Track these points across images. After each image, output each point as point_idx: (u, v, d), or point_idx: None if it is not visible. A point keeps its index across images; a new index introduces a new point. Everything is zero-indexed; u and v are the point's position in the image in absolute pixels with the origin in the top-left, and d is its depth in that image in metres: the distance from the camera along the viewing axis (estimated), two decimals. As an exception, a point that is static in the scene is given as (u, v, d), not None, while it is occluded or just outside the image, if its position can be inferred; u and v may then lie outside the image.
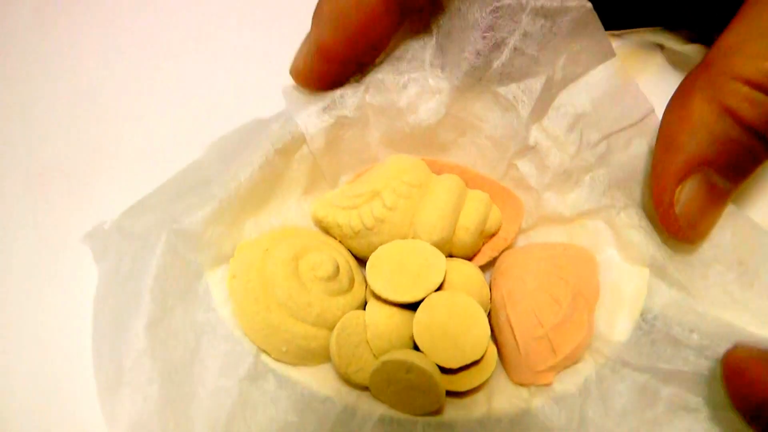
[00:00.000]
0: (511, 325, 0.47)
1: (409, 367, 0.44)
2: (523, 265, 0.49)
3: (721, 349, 0.43)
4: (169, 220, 0.46)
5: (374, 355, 0.47)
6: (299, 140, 0.50)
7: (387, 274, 0.47)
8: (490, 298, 0.50)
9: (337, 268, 0.48)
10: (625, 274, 0.47)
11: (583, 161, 0.48)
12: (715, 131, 0.38)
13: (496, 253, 0.52)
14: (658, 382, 0.44)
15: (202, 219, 0.47)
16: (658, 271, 0.46)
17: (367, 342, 0.47)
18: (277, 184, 0.51)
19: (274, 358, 0.47)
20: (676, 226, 0.43)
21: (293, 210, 0.53)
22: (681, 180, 0.41)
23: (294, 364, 0.48)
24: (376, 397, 0.47)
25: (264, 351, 0.47)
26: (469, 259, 0.53)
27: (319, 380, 0.48)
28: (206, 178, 0.49)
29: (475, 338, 0.46)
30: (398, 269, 0.47)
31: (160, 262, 0.45)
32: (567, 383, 0.46)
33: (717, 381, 0.42)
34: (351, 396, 0.47)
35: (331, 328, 0.47)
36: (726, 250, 0.45)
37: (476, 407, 0.47)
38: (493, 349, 0.48)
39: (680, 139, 0.40)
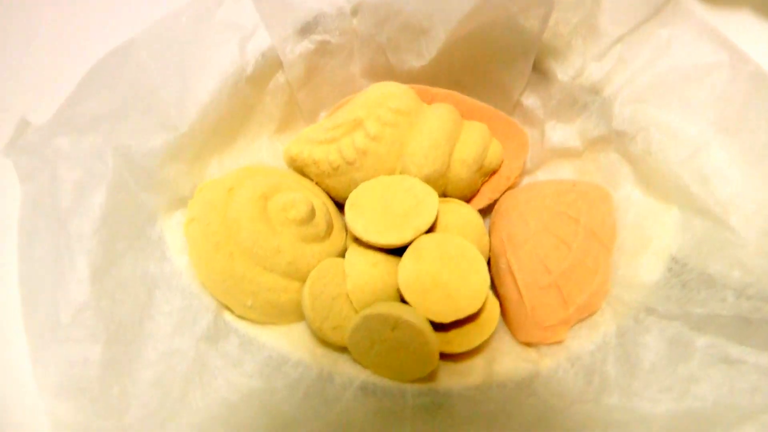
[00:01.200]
0: (513, 274, 0.40)
1: (396, 323, 0.38)
2: (525, 205, 0.43)
3: None
4: (117, 145, 0.40)
5: (355, 310, 0.40)
6: (273, 66, 0.44)
7: (370, 214, 0.41)
8: (489, 246, 0.43)
9: (313, 210, 0.42)
10: (648, 211, 0.41)
11: (588, 80, 0.42)
12: None
13: (497, 195, 0.46)
14: (692, 330, 0.37)
15: (159, 152, 0.41)
16: (688, 202, 0.39)
17: (347, 294, 0.41)
18: (247, 118, 0.45)
19: (237, 315, 0.41)
20: None
21: (264, 150, 0.47)
22: None
23: (261, 323, 0.41)
24: (358, 359, 0.40)
25: (226, 307, 0.41)
26: (467, 201, 0.46)
27: (290, 341, 0.41)
28: (155, 88, 0.42)
29: (473, 288, 0.39)
30: (383, 208, 0.41)
31: (108, 198, 0.39)
32: (583, 339, 0.40)
33: (766, 324, 0.35)
34: (327, 359, 0.41)
35: (304, 280, 0.41)
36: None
37: (475, 372, 0.41)
38: (494, 303, 0.41)
39: None
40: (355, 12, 0.44)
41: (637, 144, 0.41)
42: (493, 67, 0.45)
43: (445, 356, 0.41)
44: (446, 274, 0.39)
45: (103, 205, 0.39)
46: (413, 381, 0.40)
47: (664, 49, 0.41)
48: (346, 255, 0.42)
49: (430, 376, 0.40)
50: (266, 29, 0.43)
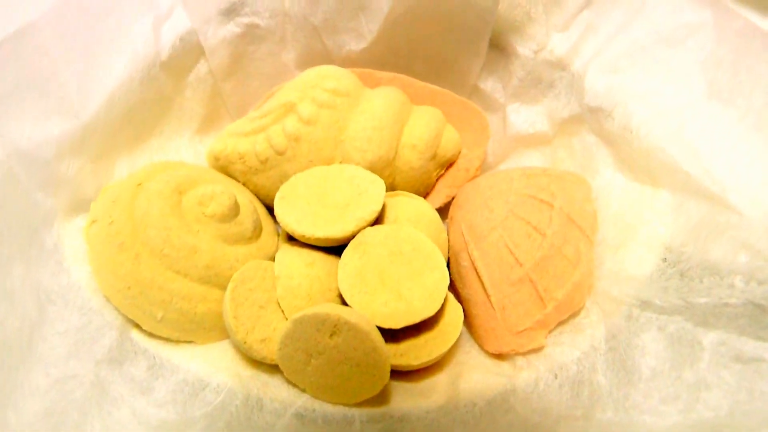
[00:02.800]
0: (476, 270, 0.34)
1: (335, 326, 0.31)
2: (488, 190, 0.37)
3: None
4: (4, 132, 0.34)
5: (287, 319, 0.33)
6: (194, 53, 0.39)
7: (304, 206, 0.35)
8: (448, 244, 0.37)
9: (236, 204, 0.36)
10: (634, 197, 0.35)
11: (552, 54, 0.37)
12: None
13: (455, 191, 0.40)
14: (697, 326, 0.31)
15: (56, 143, 0.35)
16: (680, 182, 0.34)
17: (277, 302, 0.34)
18: (164, 113, 0.40)
19: (146, 333, 0.34)
20: None
21: (184, 150, 0.41)
22: None
23: (174, 340, 0.34)
24: (291, 379, 0.33)
25: (133, 323, 0.34)
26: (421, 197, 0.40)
27: (209, 362, 0.34)
28: (54, 71, 0.36)
29: (429, 287, 0.33)
30: (319, 200, 0.35)
31: (-8, 193, 0.33)
32: (566, 345, 0.34)
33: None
34: (256, 382, 0.34)
35: (225, 287, 0.34)
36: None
37: (436, 392, 0.34)
38: (455, 306, 0.35)
39: None
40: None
41: (614, 121, 0.36)
42: (444, 46, 0.40)
43: (399, 374, 0.34)
44: (396, 272, 0.33)
45: (-14, 199, 0.33)
46: (361, 404, 0.33)
47: (637, 11, 0.37)
48: (277, 255, 0.35)
49: (383, 398, 0.33)
50: (185, 10, 0.38)
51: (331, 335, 0.31)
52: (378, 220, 0.35)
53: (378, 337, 0.31)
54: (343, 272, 0.33)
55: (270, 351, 0.33)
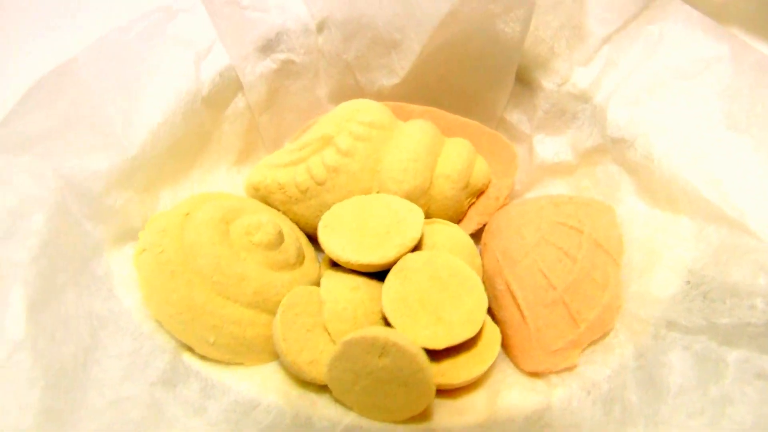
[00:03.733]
0: (512, 293, 0.36)
1: (384, 347, 0.32)
2: (519, 218, 0.38)
3: None
4: (57, 166, 0.35)
5: (333, 342, 0.35)
6: (232, 88, 0.40)
7: (347, 233, 0.36)
8: (482, 269, 0.39)
9: (281, 233, 0.37)
10: (656, 223, 0.37)
11: (575, 87, 0.39)
12: None
13: (486, 218, 0.41)
14: (720, 345, 0.33)
15: (105, 175, 0.36)
16: (700, 209, 0.36)
17: (323, 325, 0.35)
18: (204, 146, 0.41)
19: (198, 355, 0.35)
20: None
21: (222, 181, 0.42)
22: None
23: (226, 362, 0.36)
24: (340, 398, 0.35)
25: (185, 347, 0.35)
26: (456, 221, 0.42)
27: (260, 383, 0.35)
28: (99, 106, 0.37)
29: (468, 310, 0.34)
30: (361, 228, 0.36)
31: (47, 224, 0.34)
32: (597, 364, 0.35)
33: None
34: (304, 401, 0.35)
35: (273, 312, 0.36)
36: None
37: (476, 409, 0.35)
38: (493, 327, 0.36)
39: None
40: (320, 28, 0.41)
41: (636, 151, 0.38)
42: (472, 80, 0.42)
43: (441, 392, 0.35)
44: (437, 296, 0.35)
45: (43, 232, 0.34)
46: (406, 421, 0.34)
47: (656, 45, 0.39)
48: (322, 280, 0.37)
49: (425, 415, 0.34)
50: (224, 46, 0.40)
51: (380, 356, 0.32)
52: (416, 247, 0.37)
53: (424, 358, 0.33)
54: (387, 296, 0.35)
55: (318, 372, 0.34)
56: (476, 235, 0.42)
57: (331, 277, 0.36)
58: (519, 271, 0.36)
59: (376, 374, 0.33)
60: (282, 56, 0.41)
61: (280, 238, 0.37)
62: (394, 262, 0.36)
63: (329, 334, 0.35)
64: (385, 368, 0.33)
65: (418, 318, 0.34)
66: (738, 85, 0.36)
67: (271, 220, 0.37)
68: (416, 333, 0.34)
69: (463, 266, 0.36)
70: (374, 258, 0.35)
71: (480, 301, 0.35)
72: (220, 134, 0.42)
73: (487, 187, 0.42)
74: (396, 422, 0.34)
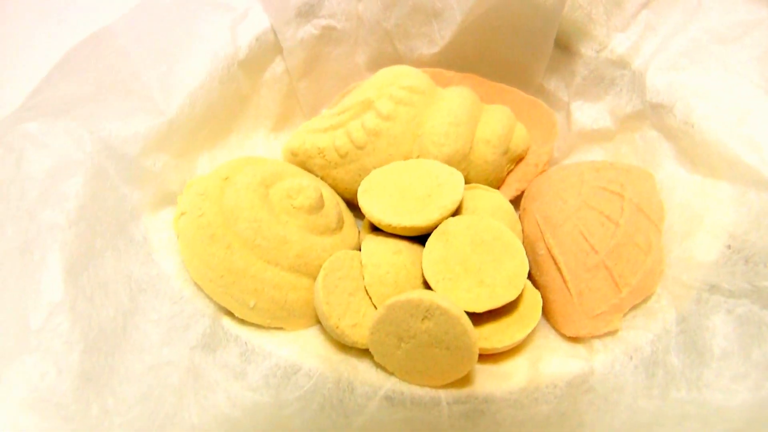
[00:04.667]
0: (553, 257, 0.36)
1: (427, 310, 0.32)
2: (560, 183, 0.38)
3: None
4: (95, 129, 0.35)
5: (374, 306, 0.35)
6: (269, 53, 0.40)
7: (387, 197, 0.36)
8: (523, 234, 0.39)
9: (322, 197, 0.37)
10: (697, 188, 0.37)
11: (614, 53, 0.39)
12: None
13: (524, 185, 0.41)
14: (763, 308, 0.33)
15: (142, 138, 0.36)
16: (740, 174, 0.35)
17: (365, 289, 0.35)
18: (241, 111, 0.41)
19: (238, 319, 0.35)
20: None
21: (261, 147, 0.42)
22: None
23: (267, 326, 0.35)
24: (382, 362, 0.34)
25: (225, 311, 0.35)
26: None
27: (301, 347, 0.35)
28: (136, 71, 0.37)
29: (509, 274, 0.34)
30: (401, 192, 0.36)
31: (85, 188, 0.33)
32: (639, 329, 0.35)
33: None
34: (346, 366, 0.35)
35: (314, 276, 0.35)
36: None
37: (518, 374, 0.35)
38: (534, 292, 0.36)
39: None
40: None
41: (675, 116, 0.38)
42: (511, 48, 0.41)
43: (483, 357, 0.35)
44: (478, 259, 0.34)
45: (80, 195, 0.33)
46: (447, 386, 0.34)
47: (695, 10, 0.38)
48: (362, 244, 0.36)
49: (467, 380, 0.34)
50: (265, 10, 0.39)
51: (423, 319, 0.32)
52: (457, 211, 0.36)
53: (468, 321, 0.32)
54: (428, 259, 0.34)
55: (360, 336, 0.34)
56: (515, 202, 0.42)
57: (372, 241, 0.36)
58: (560, 236, 0.36)
59: (419, 338, 0.33)
60: (323, 22, 0.41)
61: (321, 201, 0.37)
62: (436, 226, 0.35)
63: (371, 298, 0.35)
64: (428, 331, 0.32)
65: (459, 281, 0.34)
66: (778, 49, 0.36)
67: (312, 184, 0.37)
68: (457, 296, 0.34)
69: (504, 230, 0.35)
70: (416, 221, 0.35)
71: (521, 264, 0.34)
72: (258, 99, 0.41)
73: (526, 153, 0.42)
74: (437, 387, 0.34)
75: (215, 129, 0.40)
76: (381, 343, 0.34)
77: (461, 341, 0.32)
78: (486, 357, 0.35)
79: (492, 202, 0.38)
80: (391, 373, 0.34)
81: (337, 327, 0.34)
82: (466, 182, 0.40)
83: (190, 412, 0.32)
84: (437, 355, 0.33)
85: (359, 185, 0.38)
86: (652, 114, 0.39)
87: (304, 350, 0.35)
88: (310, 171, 0.41)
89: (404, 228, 0.35)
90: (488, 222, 0.36)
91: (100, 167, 0.35)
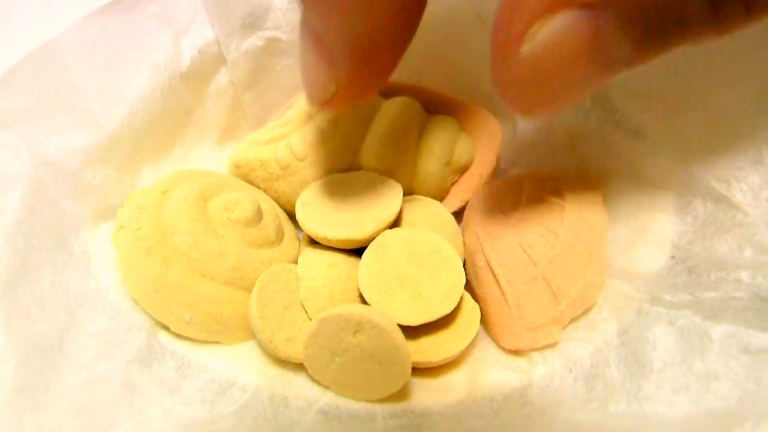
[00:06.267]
0: (492, 269, 0.35)
1: (359, 324, 0.32)
2: (500, 195, 0.38)
3: None
4: (34, 143, 0.35)
5: (310, 320, 0.35)
6: (213, 65, 0.40)
7: (324, 210, 0.36)
8: (464, 245, 0.38)
9: (259, 210, 0.37)
10: (643, 198, 0.36)
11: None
12: None
13: (468, 196, 0.41)
14: (705, 320, 0.32)
15: (83, 152, 0.36)
16: (686, 183, 0.35)
17: (301, 302, 0.35)
18: (185, 123, 0.41)
19: (174, 333, 0.35)
20: (507, 74, 0.26)
21: (206, 159, 0.42)
22: (555, 5, 0.25)
23: (202, 341, 0.35)
24: (316, 377, 0.34)
25: (161, 325, 0.35)
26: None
27: (236, 361, 0.35)
28: (77, 85, 0.37)
29: (446, 286, 0.34)
30: (339, 204, 0.36)
31: (23, 202, 0.33)
32: (579, 341, 0.34)
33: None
34: (281, 380, 0.35)
35: (250, 289, 0.35)
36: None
37: (456, 388, 0.34)
38: (472, 305, 0.36)
39: None
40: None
41: (623, 125, 0.37)
42: (457, 59, 0.40)
43: (420, 371, 0.35)
44: (415, 272, 0.34)
45: (18, 210, 0.33)
46: (383, 400, 0.33)
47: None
48: (300, 257, 0.36)
49: (404, 395, 0.34)
50: (209, 22, 0.39)
51: (355, 333, 0.32)
52: (396, 223, 0.36)
53: (399, 335, 0.32)
54: (363, 273, 0.34)
55: (294, 350, 0.34)
56: (459, 214, 0.41)
57: (309, 255, 0.36)
58: (499, 247, 0.35)
59: (351, 352, 0.32)
60: (268, 34, 0.40)
61: (258, 215, 0.36)
62: (372, 239, 0.35)
63: (306, 311, 0.35)
64: (361, 345, 0.32)
65: (394, 294, 0.33)
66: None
67: (249, 197, 0.37)
68: (393, 309, 0.33)
69: (441, 242, 0.35)
70: (352, 233, 0.34)
71: (458, 277, 0.34)
72: (203, 111, 0.41)
73: (470, 164, 0.41)
74: (373, 401, 0.33)
75: (158, 141, 0.39)
76: (315, 357, 0.33)
77: (393, 356, 0.32)
78: (423, 371, 0.35)
79: (432, 213, 0.38)
80: (326, 387, 0.34)
81: (271, 341, 0.34)
82: (409, 193, 0.40)
83: (124, 427, 0.32)
84: (370, 370, 0.32)
85: None
86: (600, 123, 0.38)
87: (240, 364, 0.35)
88: (252, 183, 0.41)
89: (340, 241, 0.35)
90: (425, 234, 0.35)
91: (38, 181, 0.35)
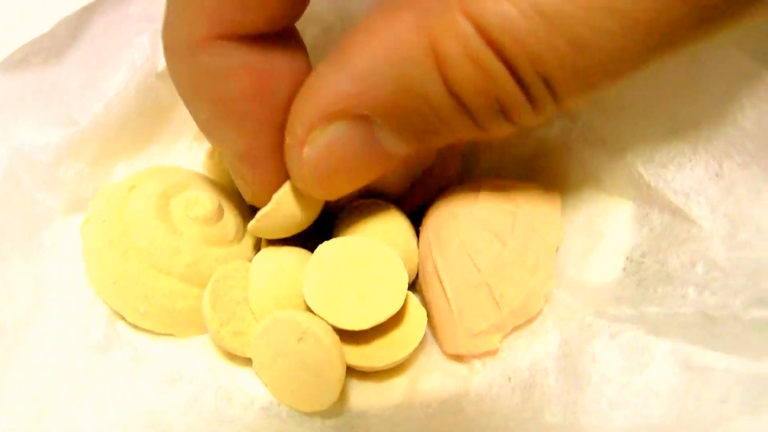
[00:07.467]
0: (438, 273, 0.35)
1: (304, 332, 0.32)
2: (455, 201, 0.37)
3: (737, 281, 0.30)
4: (9, 137, 0.37)
5: (256, 319, 0.35)
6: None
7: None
8: (419, 251, 0.38)
9: (220, 209, 0.38)
10: (601, 208, 0.36)
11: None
12: (410, 78, 0.26)
13: (428, 198, 0.40)
14: (648, 334, 0.31)
15: (56, 147, 0.37)
16: (644, 194, 0.34)
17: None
18: (161, 121, 0.42)
19: (130, 324, 0.36)
20: (296, 171, 0.31)
21: (182, 156, 0.43)
22: (329, 117, 0.28)
23: (156, 332, 0.36)
24: (258, 373, 0.35)
25: (119, 316, 0.36)
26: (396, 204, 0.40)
27: (187, 355, 0.36)
28: (56, 82, 0.39)
29: (389, 288, 0.34)
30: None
31: (-4, 191, 0.36)
32: (520, 350, 0.34)
33: (732, 323, 0.29)
34: (228, 376, 0.36)
35: (204, 286, 0.36)
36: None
37: (395, 391, 0.35)
38: (419, 310, 0.36)
39: (352, 56, 0.27)
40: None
41: (582, 134, 0.37)
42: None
43: (364, 373, 0.35)
44: (358, 278, 0.34)
45: (-10, 198, 0.36)
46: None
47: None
48: (254, 258, 0.37)
49: (344, 395, 0.34)
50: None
51: (299, 340, 0.32)
52: (348, 228, 0.37)
53: (338, 355, 0.32)
54: (307, 284, 0.34)
55: (241, 344, 0.35)
56: (420, 214, 0.40)
57: (262, 256, 0.36)
58: (447, 252, 0.35)
59: (292, 357, 0.33)
60: (240, 30, 0.41)
61: (218, 213, 0.37)
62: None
63: (252, 310, 0.36)
64: (301, 353, 0.32)
65: (338, 300, 0.33)
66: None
67: (210, 196, 0.38)
68: (337, 314, 0.33)
69: (381, 247, 0.35)
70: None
71: (401, 276, 0.34)
72: (180, 109, 0.41)
73: (431, 164, 0.40)
74: (302, 410, 0.34)
75: (134, 138, 0.41)
76: (261, 353, 0.34)
77: (327, 373, 0.32)
78: (367, 373, 0.35)
79: (386, 217, 0.37)
80: (265, 385, 0.35)
81: (218, 333, 0.34)
82: (367, 192, 0.39)
83: (81, 413, 0.33)
84: (304, 380, 0.33)
85: None
86: (561, 132, 0.38)
87: (190, 357, 0.36)
88: (226, 181, 0.41)
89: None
90: (363, 241, 0.35)
91: (12, 173, 0.36)
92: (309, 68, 0.31)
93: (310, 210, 0.35)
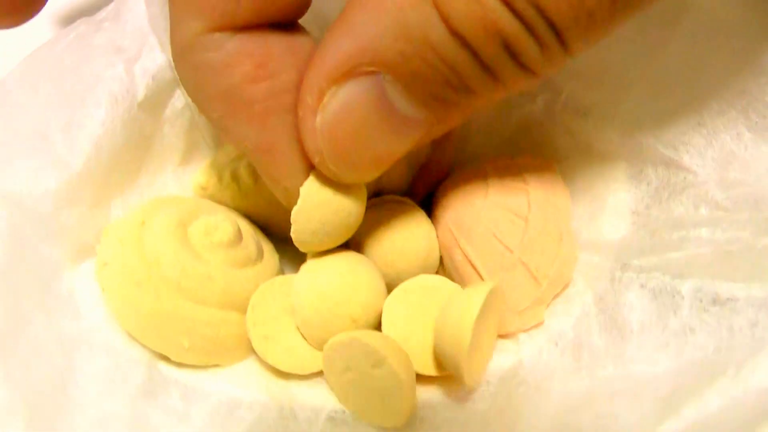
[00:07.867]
0: (471, 262, 0.37)
1: (382, 362, 0.32)
2: (465, 188, 0.39)
3: (742, 216, 0.33)
4: (5, 192, 0.35)
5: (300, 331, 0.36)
6: (167, 90, 0.39)
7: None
8: (439, 243, 0.39)
9: (239, 230, 0.37)
10: (597, 171, 0.38)
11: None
12: (410, 24, 0.25)
13: (430, 188, 0.42)
14: (674, 278, 0.34)
15: (54, 194, 0.36)
16: (635, 152, 0.37)
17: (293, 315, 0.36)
18: (147, 151, 0.40)
19: (175, 363, 0.35)
20: (311, 145, 0.30)
21: (171, 184, 0.42)
22: (338, 78, 0.27)
23: (203, 365, 0.36)
24: (328, 380, 0.35)
25: (161, 356, 0.35)
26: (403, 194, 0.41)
27: (238, 381, 0.36)
28: (37, 126, 0.37)
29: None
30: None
31: (4, 254, 0.33)
32: (560, 315, 0.36)
33: (747, 253, 0.33)
34: (285, 393, 0.35)
35: (242, 310, 0.36)
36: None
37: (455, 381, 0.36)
38: None
39: (353, 17, 0.26)
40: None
41: (567, 103, 0.39)
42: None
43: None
44: (431, 322, 0.35)
45: (0, 263, 0.33)
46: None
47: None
48: (295, 281, 0.36)
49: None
50: (160, 46, 0.39)
51: (373, 366, 0.32)
52: (370, 228, 0.38)
53: (410, 387, 0.33)
54: (388, 318, 0.35)
55: (293, 361, 0.35)
56: (425, 204, 0.42)
57: (309, 264, 0.36)
58: (474, 239, 0.37)
59: (363, 376, 0.33)
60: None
61: (238, 235, 0.37)
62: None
63: (301, 333, 0.36)
64: (373, 377, 0.33)
65: (415, 341, 0.35)
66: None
67: (227, 218, 0.37)
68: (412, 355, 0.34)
69: (446, 282, 0.37)
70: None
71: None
72: (162, 137, 0.41)
73: (425, 155, 0.42)
74: (367, 422, 0.35)
75: (124, 173, 0.39)
76: (331, 362, 0.34)
77: (396, 403, 0.33)
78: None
79: (405, 213, 0.38)
80: (331, 389, 0.35)
81: (250, 331, 0.35)
82: (376, 188, 0.40)
83: (139, 461, 0.33)
84: (372, 399, 0.33)
85: (272, 210, 0.38)
86: (545, 104, 0.40)
87: (243, 384, 0.36)
88: (222, 203, 0.41)
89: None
90: (436, 278, 0.37)
91: (15, 230, 0.34)
92: (314, 48, 0.30)
93: (346, 199, 0.33)
